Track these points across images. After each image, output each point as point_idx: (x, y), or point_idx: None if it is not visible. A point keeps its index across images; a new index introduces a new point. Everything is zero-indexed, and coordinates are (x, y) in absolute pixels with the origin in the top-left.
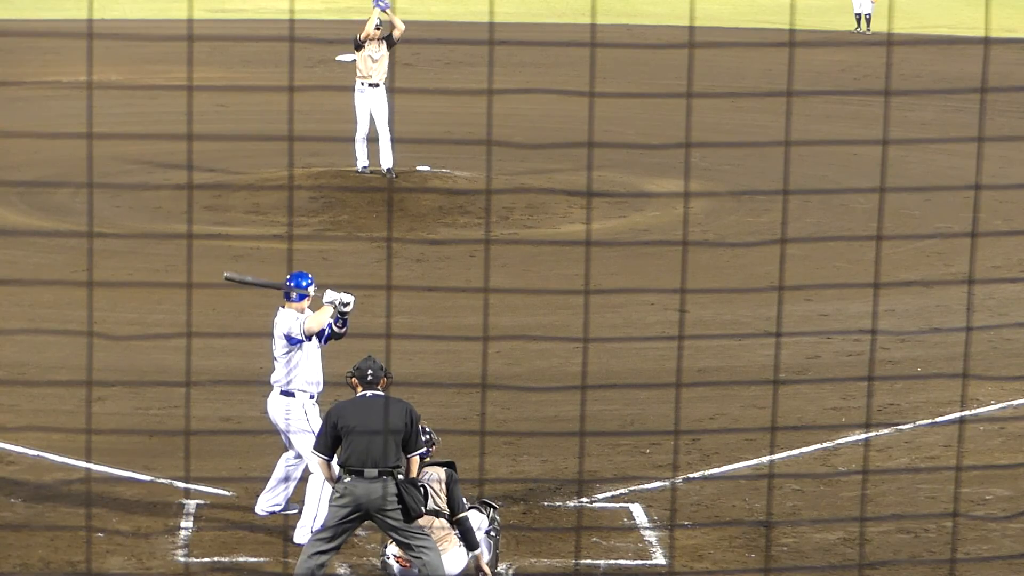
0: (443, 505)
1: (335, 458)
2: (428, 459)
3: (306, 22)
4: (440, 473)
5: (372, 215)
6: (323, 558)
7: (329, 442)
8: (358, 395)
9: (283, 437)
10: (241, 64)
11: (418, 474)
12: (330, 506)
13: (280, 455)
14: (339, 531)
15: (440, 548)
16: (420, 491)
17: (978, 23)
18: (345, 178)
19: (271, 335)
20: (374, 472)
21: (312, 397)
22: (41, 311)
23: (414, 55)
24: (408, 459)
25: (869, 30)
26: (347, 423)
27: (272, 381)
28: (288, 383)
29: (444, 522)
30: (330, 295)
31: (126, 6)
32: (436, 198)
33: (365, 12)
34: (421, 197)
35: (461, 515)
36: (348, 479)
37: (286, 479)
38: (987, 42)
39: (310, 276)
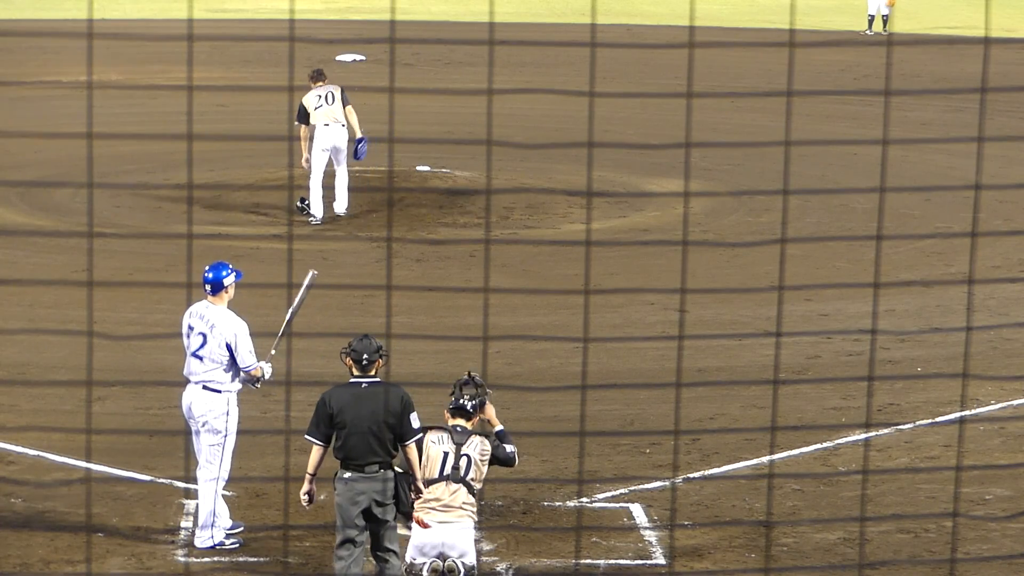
0: (477, 478)
1: (330, 449)
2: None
3: (306, 22)
4: (484, 442)
5: (372, 215)
6: (356, 569)
7: (324, 430)
8: (352, 381)
9: (194, 437)
10: (241, 64)
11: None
12: (340, 507)
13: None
14: (359, 530)
15: (456, 521)
16: (410, 486)
17: (978, 23)
18: None
19: (200, 334)
20: (375, 467)
21: (236, 394)
22: (41, 311)
23: (414, 55)
24: (404, 447)
25: (885, 31)
26: (344, 416)
27: (200, 380)
28: (221, 383)
29: (468, 497)
30: (266, 368)
31: (126, 6)
32: (436, 198)
33: (365, 12)
34: (421, 197)
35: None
36: (349, 475)
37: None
38: (987, 42)
39: (229, 266)
